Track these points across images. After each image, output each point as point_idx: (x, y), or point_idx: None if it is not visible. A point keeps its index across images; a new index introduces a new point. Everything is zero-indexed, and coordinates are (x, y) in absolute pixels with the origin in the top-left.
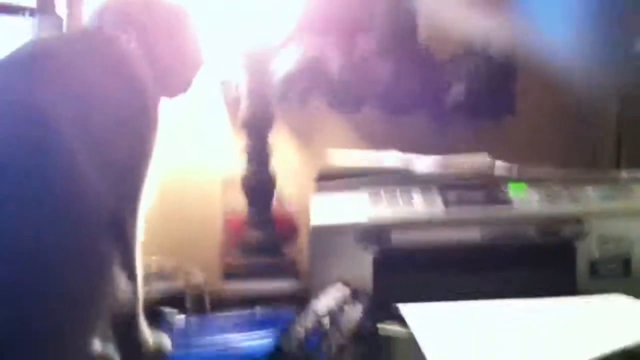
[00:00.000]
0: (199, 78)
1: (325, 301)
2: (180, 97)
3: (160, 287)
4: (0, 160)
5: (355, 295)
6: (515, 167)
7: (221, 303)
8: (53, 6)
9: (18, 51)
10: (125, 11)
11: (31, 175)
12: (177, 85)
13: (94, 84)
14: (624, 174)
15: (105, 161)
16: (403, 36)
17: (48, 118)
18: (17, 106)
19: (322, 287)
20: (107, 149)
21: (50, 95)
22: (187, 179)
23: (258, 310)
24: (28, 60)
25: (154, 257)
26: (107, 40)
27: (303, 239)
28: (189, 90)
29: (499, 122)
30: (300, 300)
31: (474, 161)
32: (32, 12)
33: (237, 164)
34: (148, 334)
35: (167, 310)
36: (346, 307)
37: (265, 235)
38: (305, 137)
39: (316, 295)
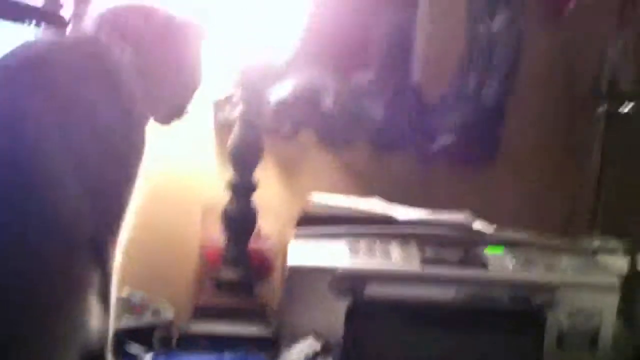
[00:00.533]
0: (194, 100)
1: (296, 354)
2: (173, 123)
3: (128, 320)
4: None
5: (326, 349)
6: (493, 227)
7: (189, 342)
8: (59, 7)
9: (8, 56)
10: (122, 21)
11: (8, 188)
12: (171, 103)
13: (81, 97)
14: (596, 242)
15: (87, 178)
16: (397, 74)
17: (30, 128)
18: (3, 112)
19: (293, 333)
20: (90, 165)
21: (34, 104)
22: (165, 205)
23: (226, 354)
24: (16, 67)
25: (124, 288)
26: (100, 50)
27: (277, 281)
28: (184, 116)
29: (482, 169)
30: (270, 345)
31: (455, 218)
32: (37, 20)
33: (219, 193)
34: None
35: (134, 346)
36: None
37: (240, 273)
38: (291, 172)
39: (286, 343)
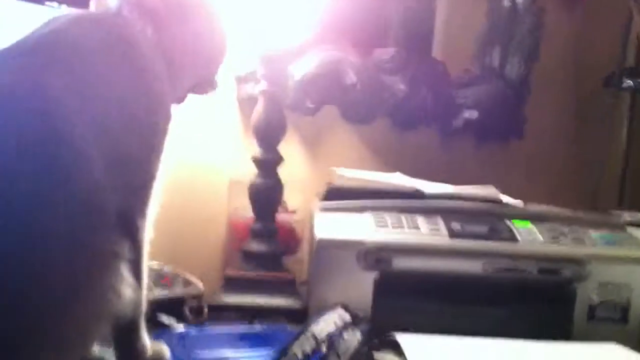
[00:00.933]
0: (219, 76)
1: (324, 325)
2: (204, 95)
3: (159, 293)
4: (6, 147)
5: (354, 321)
6: (520, 202)
7: (219, 313)
8: None
9: (31, 35)
10: (140, 1)
11: (35, 165)
12: (197, 76)
13: (102, 71)
14: (625, 215)
15: (114, 154)
16: (418, 51)
17: (55, 105)
18: (25, 92)
19: (322, 305)
20: (115, 140)
21: (59, 82)
22: (192, 179)
23: (256, 325)
24: (40, 45)
25: (154, 262)
26: (120, 25)
27: (304, 254)
28: (213, 89)
29: (506, 145)
30: (299, 317)
31: (482, 192)
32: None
33: (245, 167)
34: (147, 341)
35: (166, 318)
36: (345, 334)
37: (267, 245)
38: (315, 147)
39: (315, 314)
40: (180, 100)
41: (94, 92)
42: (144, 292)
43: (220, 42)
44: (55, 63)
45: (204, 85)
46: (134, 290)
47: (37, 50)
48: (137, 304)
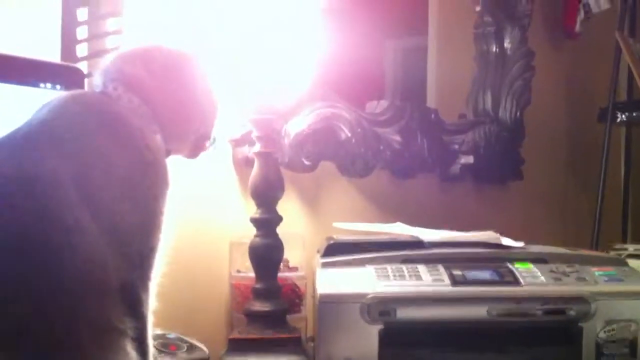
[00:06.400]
0: (216, 129)
1: None
2: (203, 153)
3: (164, 359)
4: (5, 233)
5: None
6: (521, 243)
7: None
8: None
9: (28, 121)
10: (122, 69)
11: (35, 249)
12: (192, 137)
13: (97, 151)
14: (628, 249)
15: (113, 228)
16: (412, 101)
17: (50, 186)
18: (22, 180)
19: None
20: (114, 215)
21: (54, 164)
22: (193, 243)
23: None
24: (29, 137)
25: (157, 329)
26: (108, 102)
27: (309, 310)
28: (210, 147)
29: (505, 187)
30: None
31: (481, 237)
32: (53, 80)
33: (245, 228)
34: None
35: None
36: None
37: (271, 305)
38: (314, 203)
39: None
40: (189, 154)
41: (89, 171)
42: None
43: (210, 94)
44: (48, 145)
45: (203, 140)
46: None
47: (31, 135)
48: None
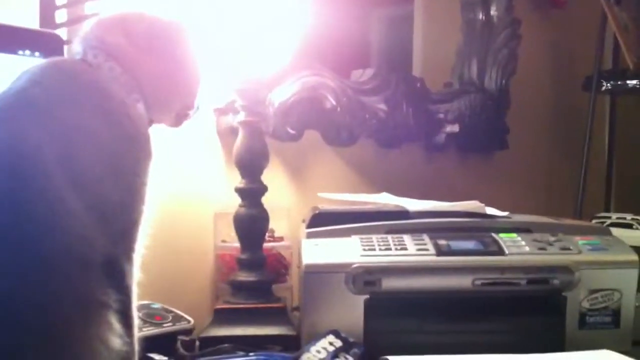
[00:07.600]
0: (199, 99)
1: (315, 353)
2: (186, 123)
3: (149, 330)
4: None
5: (345, 347)
6: (506, 213)
7: (212, 347)
8: (55, 25)
9: (6, 91)
10: (102, 38)
11: (18, 226)
12: (175, 106)
13: (78, 121)
14: (612, 218)
15: (96, 201)
16: (397, 69)
17: (31, 158)
18: (5, 156)
19: (314, 330)
20: (97, 187)
21: (35, 134)
22: (177, 214)
23: (251, 355)
24: (10, 107)
25: (143, 301)
26: (88, 71)
27: (294, 281)
28: (193, 115)
29: (491, 157)
30: (293, 344)
31: (466, 207)
32: (32, 47)
33: (230, 198)
34: None
35: (157, 356)
36: None
37: (256, 275)
38: (299, 173)
39: (308, 340)
40: (172, 124)
41: (70, 142)
42: (136, 340)
43: (194, 63)
44: (29, 116)
45: (187, 110)
46: (123, 339)
47: (11, 105)
48: (128, 352)
